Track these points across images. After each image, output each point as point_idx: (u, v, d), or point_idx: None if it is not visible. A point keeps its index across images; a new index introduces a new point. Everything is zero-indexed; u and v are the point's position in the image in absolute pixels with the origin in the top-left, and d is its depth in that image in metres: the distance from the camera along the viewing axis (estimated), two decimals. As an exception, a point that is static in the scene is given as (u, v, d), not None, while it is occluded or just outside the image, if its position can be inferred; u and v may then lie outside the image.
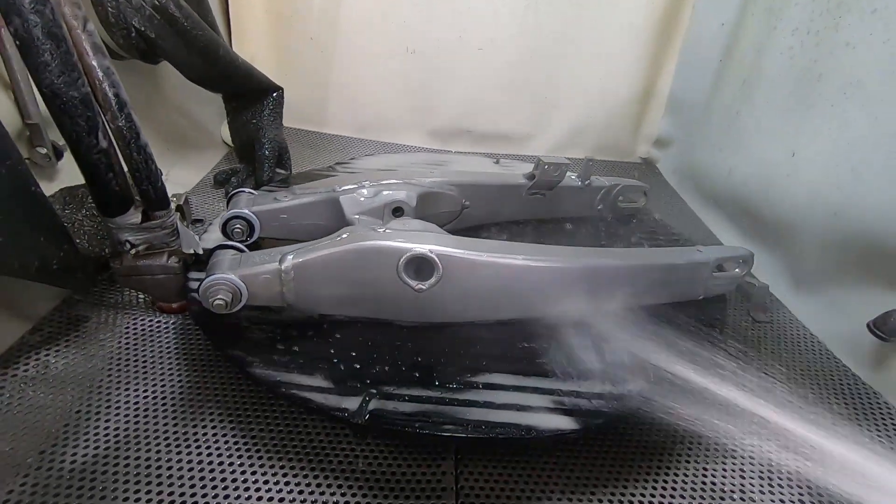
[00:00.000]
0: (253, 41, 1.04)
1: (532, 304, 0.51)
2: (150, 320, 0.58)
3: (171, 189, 0.83)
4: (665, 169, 1.16)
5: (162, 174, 0.54)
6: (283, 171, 0.91)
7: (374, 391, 0.43)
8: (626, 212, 0.78)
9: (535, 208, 0.73)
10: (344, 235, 0.49)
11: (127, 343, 0.55)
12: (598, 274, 0.51)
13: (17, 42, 0.38)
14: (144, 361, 0.53)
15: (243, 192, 0.61)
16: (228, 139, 0.99)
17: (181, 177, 0.89)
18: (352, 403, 0.41)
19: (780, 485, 0.46)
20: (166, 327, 0.57)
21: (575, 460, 0.47)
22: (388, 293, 0.49)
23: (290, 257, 0.46)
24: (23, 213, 0.46)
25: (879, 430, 0.53)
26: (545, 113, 1.15)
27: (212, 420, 0.47)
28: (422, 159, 0.95)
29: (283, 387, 0.43)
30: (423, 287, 0.48)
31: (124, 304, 0.61)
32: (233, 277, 0.45)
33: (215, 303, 0.44)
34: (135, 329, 0.57)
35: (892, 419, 0.55)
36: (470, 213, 0.69)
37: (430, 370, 0.46)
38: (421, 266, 0.48)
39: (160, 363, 0.52)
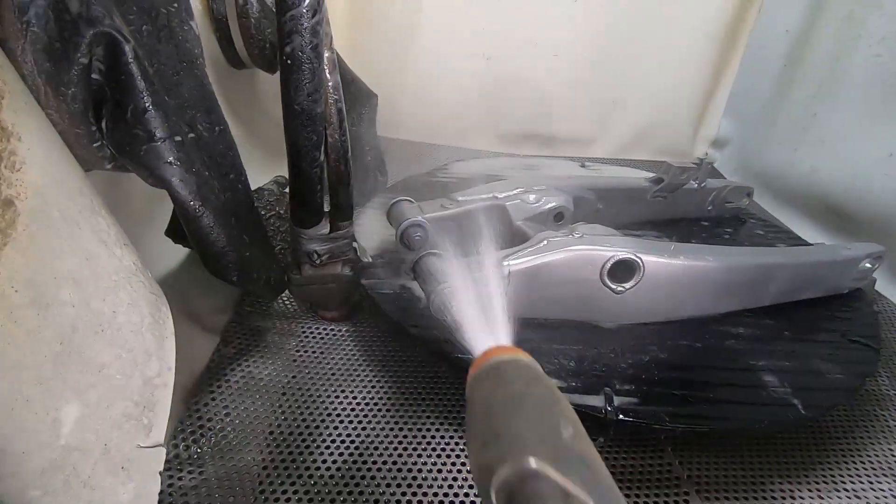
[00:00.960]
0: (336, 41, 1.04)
1: (715, 301, 0.55)
2: (324, 328, 0.59)
3: (283, 197, 0.84)
4: (723, 168, 1.21)
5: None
6: (382, 179, 0.92)
7: (608, 388, 0.45)
8: (732, 212, 0.83)
9: (655, 210, 0.76)
10: (544, 243, 0.51)
11: (315, 351, 0.55)
12: (770, 270, 0.55)
13: (288, 62, 0.39)
14: (340, 367, 0.53)
15: (404, 200, 0.62)
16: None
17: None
18: (596, 400, 0.44)
19: (957, 461, 0.50)
20: (341, 334, 0.58)
21: (798, 448, 0.50)
22: (589, 295, 0.51)
23: (506, 264, 0.48)
24: (255, 228, 0.47)
25: None
26: (610, 115, 1.18)
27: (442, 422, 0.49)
28: (511, 164, 0.97)
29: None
30: (624, 289, 0.51)
31: (290, 313, 0.61)
32: (461, 284, 0.46)
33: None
34: (314, 337, 0.58)
35: None
36: (600, 214, 0.71)
37: (646, 367, 0.49)
38: (621, 269, 0.50)
39: (354, 371, 0.53)
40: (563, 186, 0.66)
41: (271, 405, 0.48)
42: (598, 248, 0.50)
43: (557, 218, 0.62)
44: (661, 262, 0.51)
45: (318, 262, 0.55)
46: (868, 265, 0.63)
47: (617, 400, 0.44)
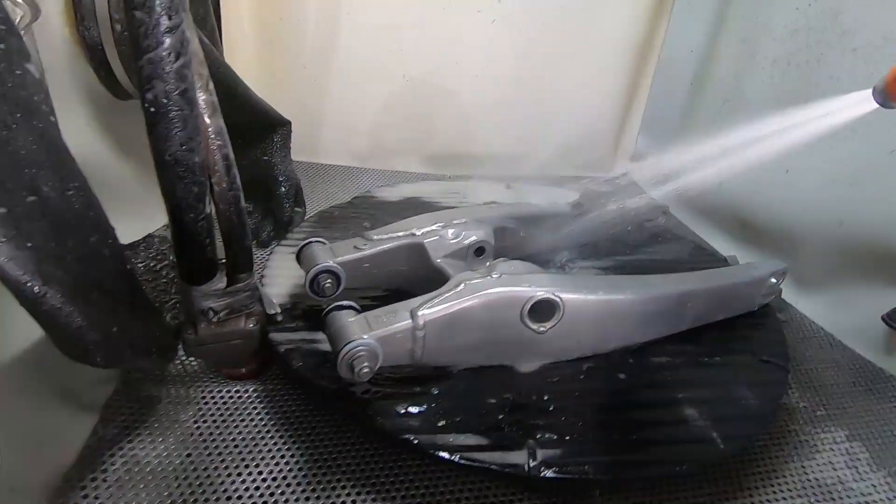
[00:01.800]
0: (244, 71, 0.97)
1: (635, 333, 0.54)
2: (228, 391, 0.53)
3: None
4: (643, 182, 1.26)
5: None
6: (300, 210, 0.87)
7: (532, 441, 0.43)
8: (650, 230, 0.85)
9: (577, 233, 0.76)
10: (461, 287, 0.48)
11: (216, 420, 0.50)
12: (687, 297, 0.55)
13: (151, 109, 0.34)
14: (245, 437, 0.48)
15: (314, 242, 0.58)
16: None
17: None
18: (518, 457, 0.41)
19: (864, 471, 0.53)
20: (248, 396, 0.53)
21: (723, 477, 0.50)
22: (510, 338, 0.49)
23: (420, 313, 0.45)
24: (129, 294, 0.41)
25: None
26: (534, 133, 1.19)
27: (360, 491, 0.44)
28: (437, 189, 0.95)
29: (443, 450, 0.41)
30: (545, 329, 0.49)
31: (188, 375, 0.55)
32: (370, 341, 0.43)
33: (362, 371, 0.41)
34: (215, 403, 0.52)
35: (910, 398, 0.64)
36: (525, 241, 0.70)
37: (568, 411, 0.47)
38: (542, 308, 0.49)
39: (260, 440, 0.48)
40: (484, 218, 0.64)
41: (160, 495, 0.42)
42: (518, 288, 0.48)
43: (478, 252, 0.60)
44: (581, 298, 0.50)
45: (215, 319, 0.50)
46: (774, 281, 0.66)
47: (540, 453, 0.42)
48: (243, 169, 0.86)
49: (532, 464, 0.41)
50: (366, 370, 0.42)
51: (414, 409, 0.45)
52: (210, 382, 0.54)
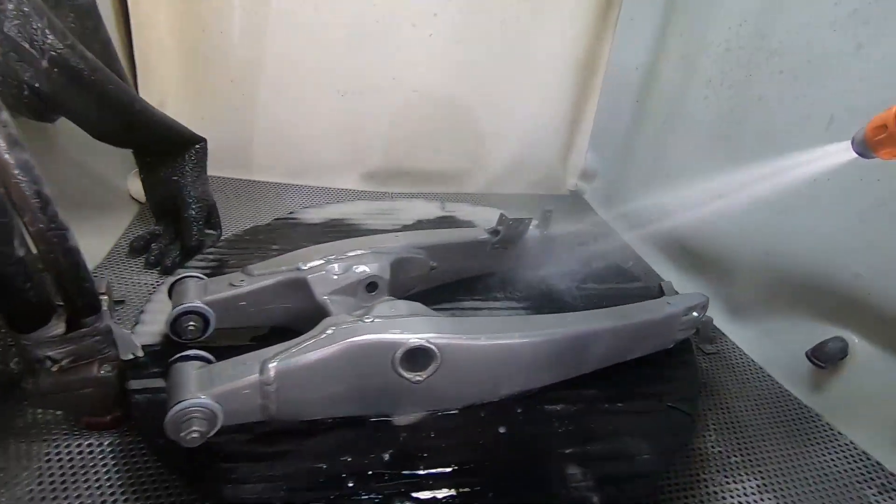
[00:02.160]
0: (163, 85, 0.93)
1: (529, 378, 0.50)
2: (79, 444, 0.48)
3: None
4: (593, 200, 1.23)
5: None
6: (212, 232, 0.82)
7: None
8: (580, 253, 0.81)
9: (498, 262, 0.72)
10: (329, 332, 0.44)
11: (53, 481, 0.44)
12: (587, 338, 0.52)
13: None
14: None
15: (189, 277, 0.53)
16: (138, 193, 0.87)
17: (88, 246, 0.74)
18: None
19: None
20: (101, 451, 0.48)
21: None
22: (382, 387, 0.45)
23: (271, 365, 0.41)
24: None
25: (823, 450, 0.59)
26: (480, 151, 1.16)
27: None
28: (366, 209, 0.91)
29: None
30: (421, 378, 0.45)
31: (38, 426, 0.50)
32: (206, 401, 0.38)
33: (189, 437, 0.37)
34: (59, 459, 0.46)
35: (835, 438, 0.61)
36: (437, 272, 0.66)
37: (436, 470, 0.43)
38: (416, 356, 0.45)
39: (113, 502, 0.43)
40: (384, 249, 0.60)
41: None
42: (387, 336, 0.44)
43: (371, 288, 0.56)
44: (463, 344, 0.46)
45: (55, 367, 0.45)
46: (695, 315, 0.63)
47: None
48: (151, 189, 0.82)
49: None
50: (194, 435, 0.37)
51: (256, 475, 0.40)
52: (62, 434, 0.49)
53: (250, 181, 1.06)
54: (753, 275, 0.73)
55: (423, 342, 0.44)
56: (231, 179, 1.04)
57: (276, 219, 0.84)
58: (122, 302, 0.67)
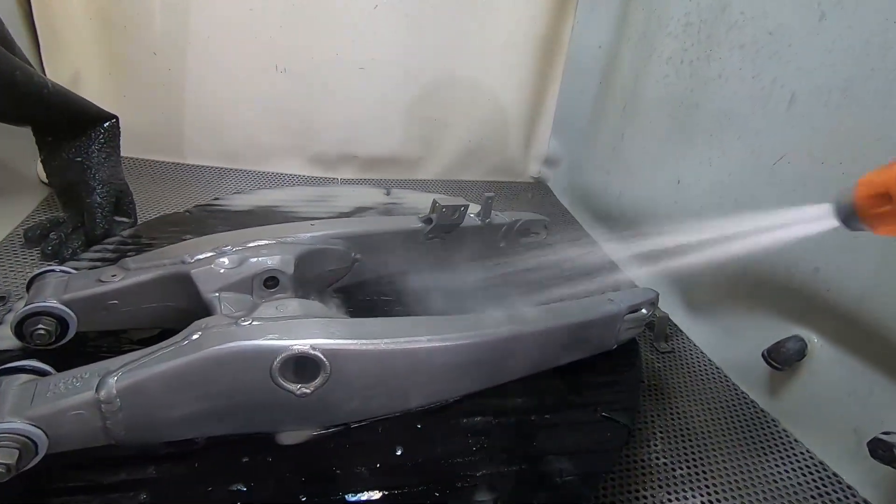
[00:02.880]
0: (73, 56, 0.84)
1: (443, 387, 0.44)
2: None
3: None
4: (556, 188, 1.17)
5: None
6: (124, 220, 0.74)
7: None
8: (528, 246, 0.75)
9: (434, 252, 0.66)
10: (195, 337, 0.37)
11: None
12: (510, 342, 0.45)
13: None
14: None
15: (51, 272, 0.46)
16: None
17: (-25, 234, 0.67)
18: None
19: None
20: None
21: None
22: (260, 402, 0.38)
23: (112, 380, 0.33)
24: None
25: (777, 459, 0.54)
26: (435, 134, 1.09)
27: None
28: (302, 195, 0.84)
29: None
30: (308, 391, 0.38)
31: None
32: (18, 425, 0.31)
33: (-9, 471, 0.30)
34: None
35: (791, 446, 0.56)
36: (362, 266, 0.60)
37: (329, 499, 0.36)
38: (303, 365, 0.38)
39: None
40: (294, 239, 0.53)
41: None
42: (263, 342, 0.37)
43: (270, 283, 0.49)
44: (357, 350, 0.39)
45: None
46: (644, 311, 0.57)
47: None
48: (54, 172, 0.74)
49: None
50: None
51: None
52: None
53: (183, 165, 0.97)
54: (713, 268, 0.68)
55: (306, 349, 0.37)
56: (158, 163, 0.96)
57: (196, 205, 0.76)
58: (3, 299, 0.59)
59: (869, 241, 0.48)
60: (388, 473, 0.38)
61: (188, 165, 0.98)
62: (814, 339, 0.56)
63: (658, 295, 0.58)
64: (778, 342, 0.57)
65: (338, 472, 0.38)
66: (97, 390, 0.33)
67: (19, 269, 0.65)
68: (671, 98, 0.77)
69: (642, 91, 0.84)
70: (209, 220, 0.73)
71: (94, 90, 0.86)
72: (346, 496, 0.36)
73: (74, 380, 0.34)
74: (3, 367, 0.35)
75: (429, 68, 1.01)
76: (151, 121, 0.93)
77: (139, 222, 0.75)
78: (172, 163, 0.97)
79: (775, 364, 0.57)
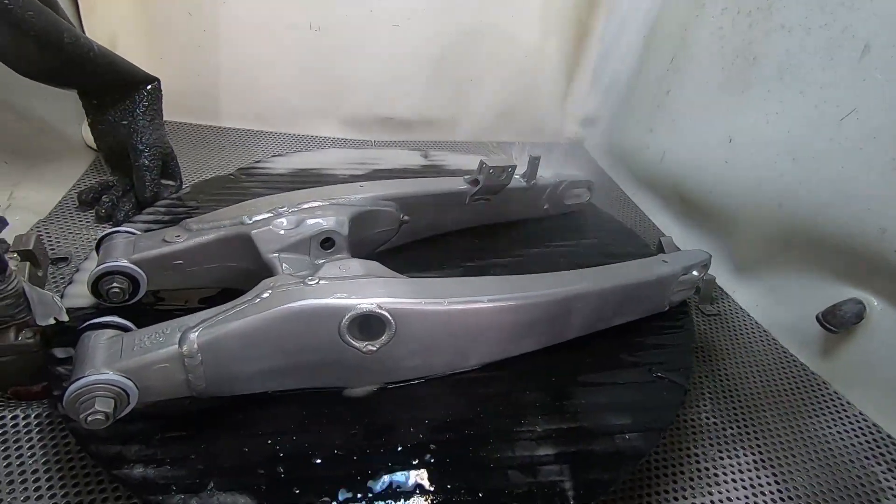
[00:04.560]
0: (111, 19, 0.84)
1: (503, 346, 0.45)
2: (2, 417, 0.43)
3: (22, 217, 0.66)
4: (593, 149, 1.14)
5: (5, 224, 0.40)
6: (171, 183, 0.75)
7: (327, 499, 0.34)
8: (573, 207, 0.74)
9: (479, 214, 0.65)
10: (265, 295, 0.38)
11: (-32, 459, 0.40)
12: (569, 302, 0.45)
13: None
14: (-2, 483, 0.39)
15: (118, 233, 0.47)
16: (93, 142, 0.80)
17: (32, 199, 0.69)
18: (301, 525, 0.32)
19: None
20: (26, 424, 0.43)
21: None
22: (329, 358, 0.39)
23: (193, 335, 0.35)
24: None
25: (829, 421, 0.54)
26: (470, 94, 1.06)
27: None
28: (342, 158, 0.83)
29: (204, 516, 0.32)
30: (374, 348, 0.39)
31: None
32: (112, 376, 0.33)
33: (91, 419, 0.31)
34: (-22, 433, 0.42)
35: (843, 408, 0.56)
36: (409, 227, 0.60)
37: (389, 451, 0.38)
38: (368, 323, 0.39)
39: (22, 483, 0.39)
40: (346, 201, 0.53)
41: None
42: (332, 301, 0.37)
43: (326, 245, 0.49)
44: (421, 309, 0.39)
45: (-42, 335, 0.39)
46: (695, 275, 0.56)
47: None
48: (101, 135, 0.75)
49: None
50: (98, 417, 0.32)
51: (175, 458, 0.35)
52: (-16, 405, 0.44)
53: (216, 127, 0.98)
54: (763, 229, 0.66)
55: (373, 308, 0.38)
56: (194, 125, 0.96)
57: (240, 169, 0.77)
58: (65, 260, 0.62)
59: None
60: (446, 428, 0.40)
61: (223, 128, 0.98)
62: (874, 303, 0.54)
63: (711, 257, 0.57)
64: (834, 305, 0.56)
65: (398, 425, 0.39)
66: (180, 344, 0.34)
67: (76, 231, 0.67)
68: (725, 51, 0.73)
69: (692, 44, 0.80)
70: (255, 183, 0.74)
71: (132, 52, 0.85)
72: (406, 446, 0.38)
73: (157, 335, 0.35)
74: (90, 322, 0.36)
75: (464, 24, 0.98)
76: (187, 83, 0.93)
77: (184, 185, 0.76)
78: (207, 125, 0.98)
79: (831, 327, 0.56)
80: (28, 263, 0.51)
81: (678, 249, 0.63)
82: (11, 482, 0.39)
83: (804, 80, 0.61)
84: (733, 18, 0.72)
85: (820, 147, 0.59)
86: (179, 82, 0.90)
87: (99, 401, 0.32)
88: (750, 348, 0.63)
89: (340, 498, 0.34)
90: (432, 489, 0.35)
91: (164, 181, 0.74)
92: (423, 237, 0.63)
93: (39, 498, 0.38)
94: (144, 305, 0.47)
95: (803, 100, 0.61)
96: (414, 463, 0.37)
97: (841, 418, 0.54)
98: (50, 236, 0.65)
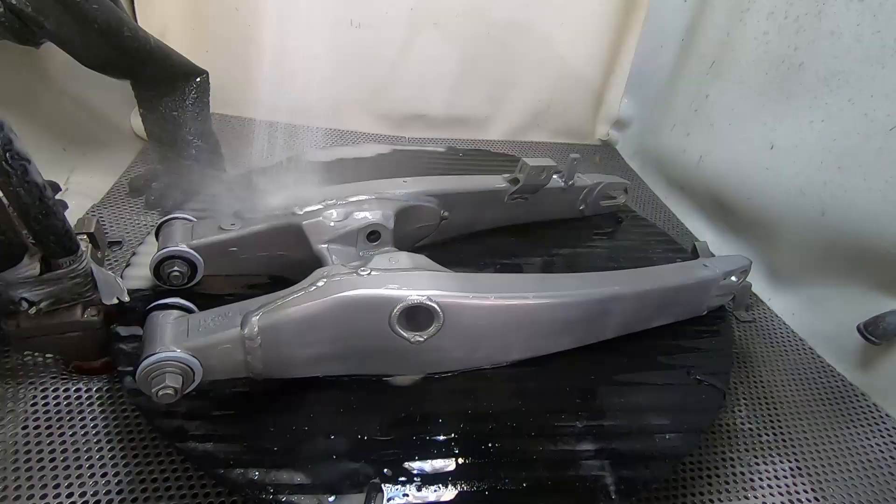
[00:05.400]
0: (163, 12, 0.87)
1: (543, 342, 0.46)
2: (66, 389, 0.46)
3: (77, 201, 0.69)
4: (625, 151, 1.13)
5: (66, 207, 0.42)
6: (216, 172, 0.78)
7: (378, 481, 0.35)
8: (608, 209, 0.74)
9: (516, 213, 0.66)
10: (320, 283, 0.39)
11: (38, 426, 0.43)
12: (609, 302, 0.46)
13: None
14: (65, 451, 0.41)
15: (176, 219, 0.49)
16: (141, 130, 0.83)
17: (86, 185, 0.72)
18: (353, 503, 0.34)
19: (801, 514, 0.45)
20: (88, 397, 0.46)
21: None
22: (378, 346, 0.41)
23: (254, 318, 0.37)
24: None
25: (868, 433, 0.54)
26: (504, 94, 1.07)
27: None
28: (377, 151, 0.84)
29: (262, 490, 0.34)
30: (422, 339, 0.40)
31: (26, 368, 0.48)
32: (181, 354, 0.34)
33: (161, 393, 0.33)
34: (46, 404, 0.45)
35: (882, 420, 0.55)
36: (448, 223, 0.61)
37: (435, 438, 0.39)
38: (417, 314, 0.40)
39: (86, 452, 0.41)
40: (391, 196, 0.54)
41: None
42: (384, 291, 0.39)
43: (373, 238, 0.51)
44: (469, 303, 0.41)
45: (32, 310, 0.42)
46: (734, 280, 0.56)
47: (383, 497, 0.34)
48: (152, 125, 0.78)
49: (366, 512, 0.33)
50: (168, 392, 0.34)
51: (233, 434, 0.37)
52: (50, 378, 0.47)
53: (255, 121, 1.00)
54: (804, 237, 0.65)
55: (423, 300, 0.39)
56: (235, 118, 0.99)
57: (285, 159, 0.79)
58: (119, 243, 0.64)
59: None
60: (487, 419, 0.41)
61: (264, 122, 1.01)
62: (918, 315, 0.54)
63: (751, 263, 0.57)
64: (877, 316, 0.56)
65: (440, 413, 0.41)
66: (242, 327, 0.36)
67: (128, 217, 0.70)
68: (770, 57, 0.72)
69: (735, 48, 0.80)
70: (297, 174, 0.75)
71: (179, 45, 0.88)
72: (449, 435, 0.39)
73: (220, 317, 0.37)
74: (157, 303, 0.38)
75: (501, 24, 0.99)
76: (230, 76, 0.95)
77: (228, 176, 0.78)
78: (249, 118, 1.00)
79: (873, 338, 0.55)
80: (90, 246, 0.53)
81: (712, 254, 0.63)
82: (77, 450, 0.41)
83: (853, 88, 0.60)
84: (780, 24, 0.71)
85: (868, 156, 0.58)
86: (223, 75, 0.92)
87: (169, 376, 0.34)
88: (786, 356, 0.63)
89: (385, 478, 0.35)
90: (474, 477, 0.36)
91: (209, 170, 0.76)
92: (461, 234, 0.64)
93: (103, 465, 0.40)
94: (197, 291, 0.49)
95: (851, 108, 0.60)
96: (455, 451, 0.38)
97: (880, 430, 0.54)
98: (103, 221, 0.67)
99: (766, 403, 0.56)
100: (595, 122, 1.15)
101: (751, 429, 0.52)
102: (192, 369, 0.35)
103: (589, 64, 1.07)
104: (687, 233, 0.87)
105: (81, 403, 0.45)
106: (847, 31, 0.61)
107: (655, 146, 1.02)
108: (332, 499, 0.33)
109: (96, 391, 0.46)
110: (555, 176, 0.67)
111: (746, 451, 0.50)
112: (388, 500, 0.34)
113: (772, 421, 0.54)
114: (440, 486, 0.35)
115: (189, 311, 0.39)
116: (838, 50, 0.62)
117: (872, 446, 0.52)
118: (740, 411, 0.54)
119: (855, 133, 0.59)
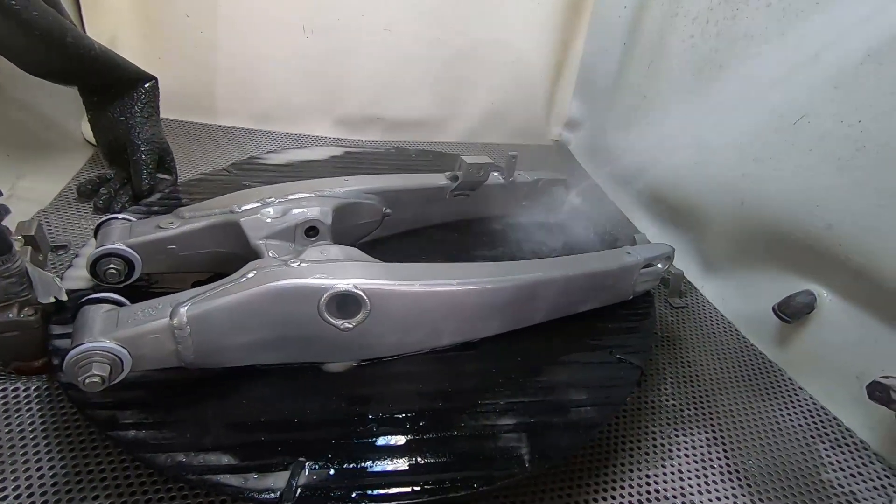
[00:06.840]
0: (111, 19, 0.87)
1: (473, 327, 0.48)
2: (3, 389, 0.47)
3: (23, 207, 0.69)
4: (577, 151, 1.18)
5: (8, 212, 0.43)
6: (166, 177, 0.79)
7: (302, 459, 0.37)
8: (551, 205, 0.78)
9: (459, 209, 0.69)
10: (250, 275, 0.41)
11: (-28, 426, 0.43)
12: (534, 288, 0.49)
13: None
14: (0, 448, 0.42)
15: (115, 219, 0.50)
16: (91, 136, 0.83)
17: (34, 190, 0.72)
18: (278, 480, 0.36)
19: (713, 481, 0.48)
20: (27, 396, 0.46)
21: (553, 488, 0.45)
22: (309, 335, 0.43)
23: (183, 309, 0.38)
24: None
25: (782, 405, 0.58)
26: (459, 97, 1.10)
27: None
28: (330, 153, 0.86)
29: (188, 471, 0.35)
30: (350, 325, 0.43)
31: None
32: (108, 344, 0.36)
33: (88, 381, 0.35)
34: (-19, 404, 0.45)
35: (795, 393, 0.59)
36: (391, 220, 0.63)
37: (363, 419, 0.41)
38: (345, 302, 0.42)
39: (22, 449, 0.42)
40: (330, 193, 0.56)
41: None
42: (311, 281, 0.41)
43: (311, 233, 0.53)
44: (395, 290, 0.43)
45: (-35, 310, 0.43)
46: (659, 266, 0.60)
47: (311, 473, 0.36)
48: (100, 131, 0.78)
49: (289, 489, 0.35)
50: (94, 380, 0.35)
51: (164, 421, 0.39)
52: (-14, 378, 0.47)
53: (213, 126, 1.01)
54: (729, 226, 0.70)
55: (349, 287, 0.41)
56: (192, 124, 1.00)
57: (232, 164, 0.80)
58: (65, 247, 0.65)
59: (881, 198, 0.49)
60: (418, 400, 0.43)
61: (220, 126, 1.02)
62: (823, 294, 0.58)
63: (673, 250, 0.61)
64: (788, 296, 0.60)
65: (373, 397, 0.43)
66: (171, 318, 0.38)
67: (75, 221, 0.70)
68: (696, 58, 0.77)
69: (667, 51, 0.84)
70: (247, 177, 0.77)
71: (131, 52, 0.89)
72: (379, 416, 0.41)
73: (150, 309, 0.39)
74: (88, 297, 0.40)
75: (453, 29, 1.02)
76: (185, 82, 0.96)
77: (179, 180, 0.79)
78: (205, 124, 1.01)
79: (784, 317, 0.60)
80: (30, 248, 0.54)
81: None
82: (13, 447, 0.42)
83: (764, 87, 0.65)
84: (702, 28, 0.76)
85: (778, 148, 0.62)
86: (177, 81, 0.93)
87: (96, 365, 0.35)
88: (713, 338, 0.67)
89: (316, 458, 0.37)
90: (403, 453, 0.38)
91: (159, 175, 0.77)
92: (407, 230, 0.66)
93: (39, 461, 0.41)
94: (140, 289, 0.50)
95: (763, 105, 0.64)
96: (386, 430, 0.40)
97: (792, 402, 0.58)
98: (50, 225, 0.68)
99: (691, 381, 0.59)
100: (548, 123, 1.20)
101: (674, 404, 0.56)
102: (120, 359, 0.36)
103: (539, 66, 1.11)
104: (632, 227, 0.91)
105: (19, 402, 0.46)
106: (758, 34, 0.66)
107: (604, 145, 1.06)
108: (256, 476, 0.35)
109: (35, 390, 0.47)
110: (496, 173, 0.70)
111: (668, 424, 0.53)
112: (312, 475, 0.36)
113: (695, 397, 0.57)
114: (363, 461, 0.37)
115: (121, 304, 0.40)
116: (752, 51, 0.67)
117: (785, 417, 0.56)
118: (666, 389, 0.58)
119: (767, 129, 0.64)
